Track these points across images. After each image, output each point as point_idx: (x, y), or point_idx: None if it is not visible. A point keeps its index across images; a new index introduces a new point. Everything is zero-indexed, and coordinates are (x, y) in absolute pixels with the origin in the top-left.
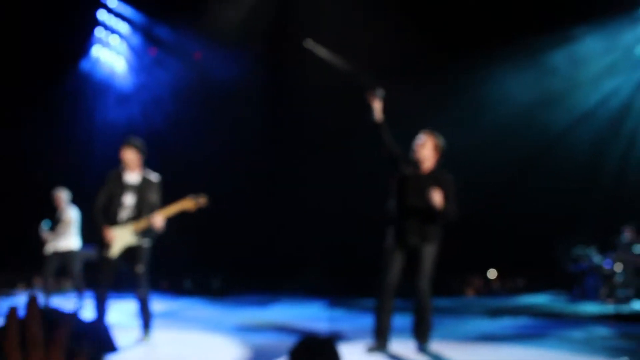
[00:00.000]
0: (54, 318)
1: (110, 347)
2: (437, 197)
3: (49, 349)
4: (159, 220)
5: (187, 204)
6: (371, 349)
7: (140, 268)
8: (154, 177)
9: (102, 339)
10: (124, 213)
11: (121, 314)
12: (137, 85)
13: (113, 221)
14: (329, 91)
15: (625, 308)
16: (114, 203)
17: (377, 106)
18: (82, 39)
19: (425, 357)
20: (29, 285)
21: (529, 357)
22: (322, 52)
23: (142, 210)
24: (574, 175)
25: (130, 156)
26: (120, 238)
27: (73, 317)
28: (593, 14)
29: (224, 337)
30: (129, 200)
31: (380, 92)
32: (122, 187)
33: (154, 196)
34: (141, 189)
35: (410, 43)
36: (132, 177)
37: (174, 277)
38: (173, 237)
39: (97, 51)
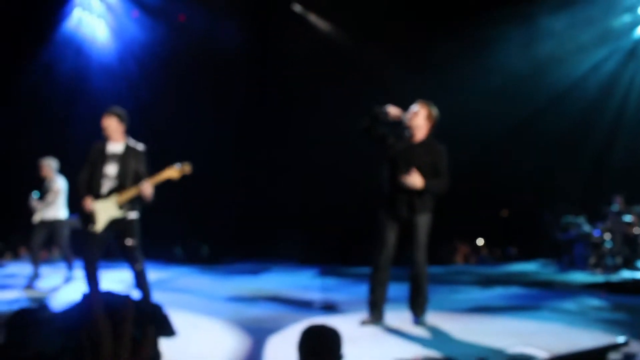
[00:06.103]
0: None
1: (170, 332)
2: (415, 180)
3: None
4: (147, 188)
5: (171, 172)
6: (366, 322)
7: (131, 241)
8: (139, 146)
9: (161, 323)
10: (107, 184)
11: (114, 284)
12: (119, 49)
13: (96, 193)
14: (315, 56)
15: (614, 277)
16: (97, 174)
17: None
18: (62, 1)
19: (422, 330)
20: (15, 255)
21: (525, 329)
22: (310, 16)
23: (125, 180)
24: (562, 144)
25: (112, 125)
26: (104, 211)
27: (133, 301)
28: None
29: (219, 309)
30: (111, 170)
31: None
32: (105, 157)
33: (139, 165)
34: (124, 158)
35: (401, 11)
36: (115, 146)
37: (164, 245)
38: (160, 205)
39: (77, 14)
